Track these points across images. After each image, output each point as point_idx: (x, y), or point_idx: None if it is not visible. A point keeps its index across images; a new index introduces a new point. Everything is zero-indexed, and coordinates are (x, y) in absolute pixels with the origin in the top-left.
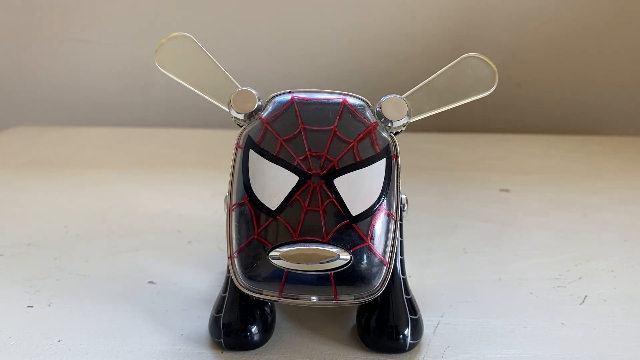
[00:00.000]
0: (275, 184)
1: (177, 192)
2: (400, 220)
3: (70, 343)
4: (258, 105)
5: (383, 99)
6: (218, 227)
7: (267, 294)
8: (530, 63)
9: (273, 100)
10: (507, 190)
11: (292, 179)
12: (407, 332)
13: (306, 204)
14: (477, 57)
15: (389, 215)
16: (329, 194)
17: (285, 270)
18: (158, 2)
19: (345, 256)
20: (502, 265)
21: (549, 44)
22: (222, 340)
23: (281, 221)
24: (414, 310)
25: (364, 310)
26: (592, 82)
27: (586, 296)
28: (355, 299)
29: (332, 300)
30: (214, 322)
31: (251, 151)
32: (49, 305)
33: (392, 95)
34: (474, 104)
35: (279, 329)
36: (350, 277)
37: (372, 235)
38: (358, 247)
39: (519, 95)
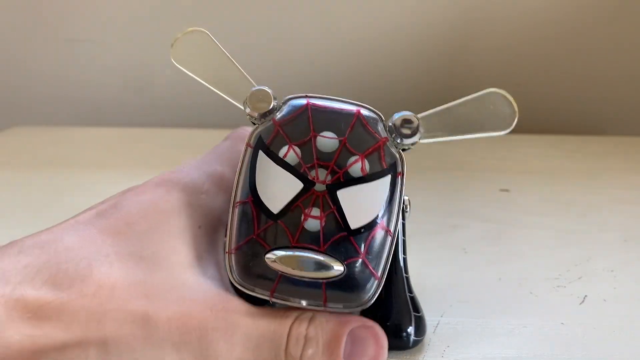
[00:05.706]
0: (279, 188)
1: None
2: (403, 219)
3: None
4: (273, 106)
5: (396, 115)
6: None
7: (259, 292)
8: (530, 63)
9: (288, 103)
10: (507, 190)
11: (297, 185)
12: (411, 329)
13: (307, 212)
14: (502, 95)
15: (387, 231)
16: (331, 204)
17: (280, 273)
18: (158, 2)
19: (339, 267)
20: (502, 265)
21: (549, 44)
22: None
23: (281, 225)
24: (417, 307)
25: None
26: (592, 82)
27: (586, 296)
28: (343, 308)
29: (321, 306)
30: None
31: (260, 152)
32: None
33: (406, 112)
34: None
35: None
36: (341, 287)
37: (367, 249)
38: (352, 260)
39: (518, 95)
